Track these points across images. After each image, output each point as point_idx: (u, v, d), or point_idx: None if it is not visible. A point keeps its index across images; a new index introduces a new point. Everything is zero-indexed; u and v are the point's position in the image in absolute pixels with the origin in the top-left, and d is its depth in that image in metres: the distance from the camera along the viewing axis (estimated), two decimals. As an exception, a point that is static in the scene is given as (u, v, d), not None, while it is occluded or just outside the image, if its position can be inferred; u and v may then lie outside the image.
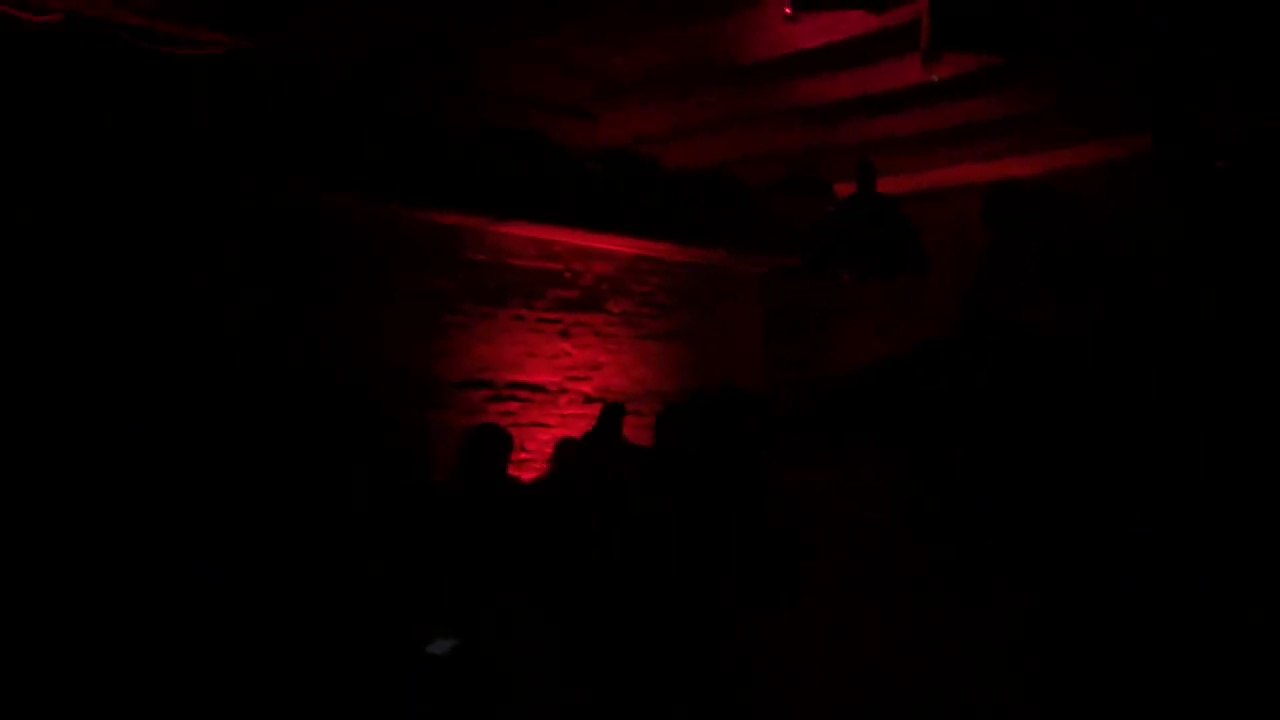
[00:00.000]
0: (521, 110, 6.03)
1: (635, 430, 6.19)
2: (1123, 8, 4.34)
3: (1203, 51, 4.80)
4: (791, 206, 7.44)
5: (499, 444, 4.62)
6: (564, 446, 5.83)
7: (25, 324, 4.80)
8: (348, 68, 5.40)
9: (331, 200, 6.02)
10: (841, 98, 5.59)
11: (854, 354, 7.81)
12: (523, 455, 6.41)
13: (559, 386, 7.23)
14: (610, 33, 4.84)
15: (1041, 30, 3.84)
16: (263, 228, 5.81)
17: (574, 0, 4.44)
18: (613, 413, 6.09)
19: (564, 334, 7.31)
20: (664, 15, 4.63)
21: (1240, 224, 6.20)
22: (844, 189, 6.72)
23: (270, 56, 4.98)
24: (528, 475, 6.01)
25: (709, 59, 5.14)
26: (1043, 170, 6.95)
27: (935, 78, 4.38)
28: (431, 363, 6.59)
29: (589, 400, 7.33)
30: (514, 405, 6.94)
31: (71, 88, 4.62)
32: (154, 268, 5.35)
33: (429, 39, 4.96)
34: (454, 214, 6.53)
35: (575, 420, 7.08)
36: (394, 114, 5.93)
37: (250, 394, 5.42)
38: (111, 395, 4.94)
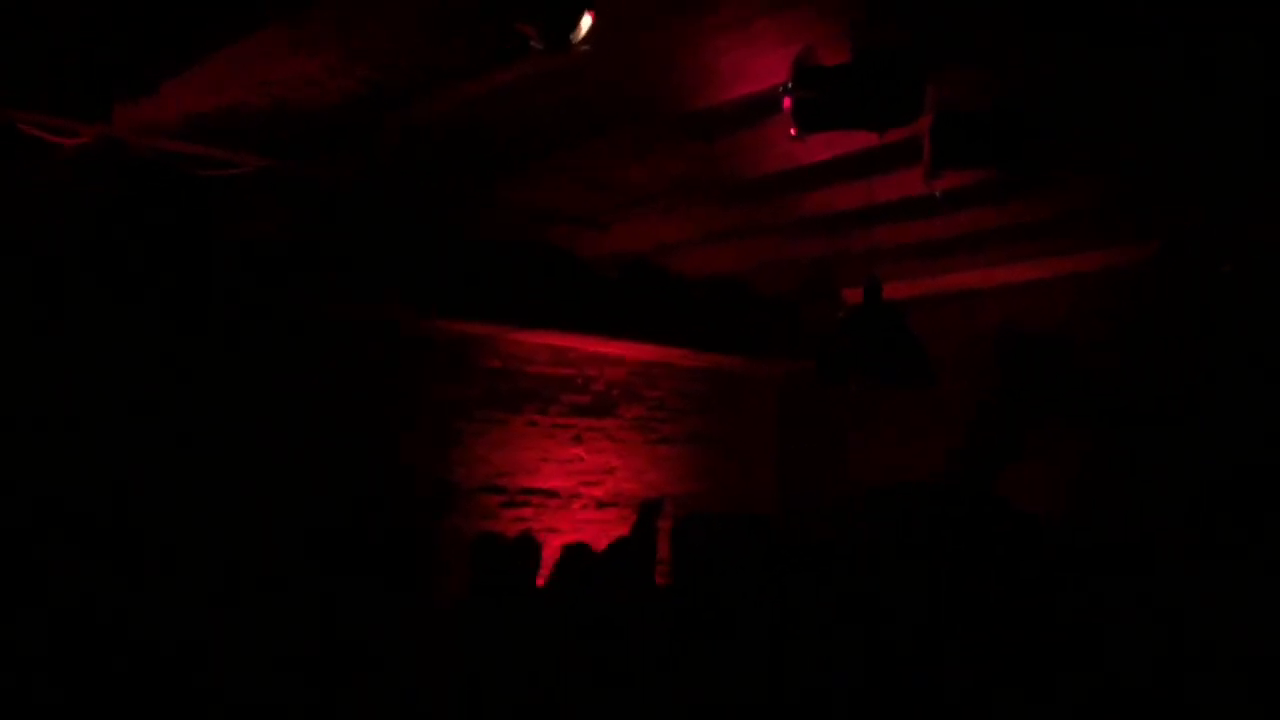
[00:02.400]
0: (539, 221, 6.18)
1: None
2: (1121, 129, 4.46)
3: (1205, 164, 4.91)
4: (803, 313, 7.53)
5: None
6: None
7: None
8: (373, 184, 5.56)
9: (349, 311, 6.15)
10: (849, 208, 5.71)
11: (869, 457, 7.82)
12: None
13: (572, 491, 7.25)
14: (628, 149, 5.01)
15: (1042, 150, 3.95)
16: (284, 339, 5.94)
17: (596, 120, 4.60)
18: (650, 511, 5.76)
19: (577, 439, 7.35)
20: (679, 132, 4.79)
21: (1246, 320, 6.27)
22: (854, 294, 6.81)
23: (301, 175, 5.13)
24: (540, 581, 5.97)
25: (721, 172, 5.29)
26: (1051, 274, 7.04)
27: (937, 193, 4.49)
28: (445, 468, 6.63)
29: (601, 505, 7.33)
30: (528, 511, 6.95)
31: (105, 208, 4.76)
32: (179, 378, 5.47)
33: (452, 162, 5.13)
34: (469, 322, 6.65)
35: (588, 525, 7.07)
36: (413, 227, 6.09)
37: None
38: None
